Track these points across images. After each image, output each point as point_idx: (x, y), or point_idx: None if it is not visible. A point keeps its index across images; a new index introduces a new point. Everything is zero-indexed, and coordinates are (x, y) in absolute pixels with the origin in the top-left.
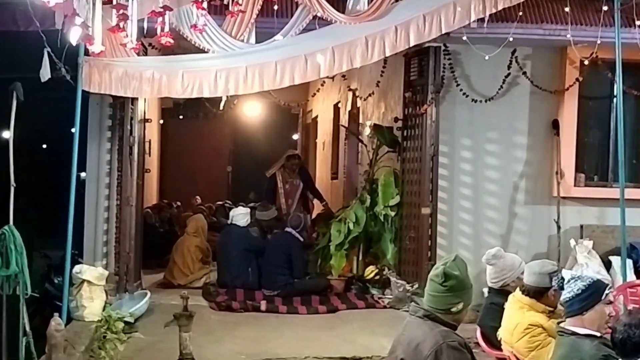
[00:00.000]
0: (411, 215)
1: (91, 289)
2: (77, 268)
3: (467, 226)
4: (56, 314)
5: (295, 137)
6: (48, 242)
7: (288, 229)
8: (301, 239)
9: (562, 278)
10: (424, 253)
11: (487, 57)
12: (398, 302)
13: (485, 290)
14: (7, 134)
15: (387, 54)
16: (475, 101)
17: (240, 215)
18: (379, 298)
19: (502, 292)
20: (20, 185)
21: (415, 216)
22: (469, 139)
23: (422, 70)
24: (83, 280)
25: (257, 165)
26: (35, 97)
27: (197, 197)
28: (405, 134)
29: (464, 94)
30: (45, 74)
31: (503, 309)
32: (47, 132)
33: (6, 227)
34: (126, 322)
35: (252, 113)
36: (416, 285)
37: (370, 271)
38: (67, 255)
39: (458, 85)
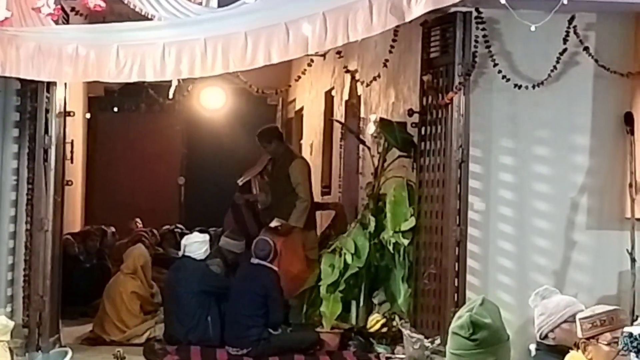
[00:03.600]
0: (431, 244)
1: None
2: None
3: (507, 259)
4: None
5: None
6: None
7: (256, 261)
8: (277, 273)
9: (633, 336)
10: (448, 296)
11: (533, 28)
12: None
13: (532, 347)
14: None
15: (398, 22)
16: (519, 87)
17: (195, 245)
18: (387, 358)
19: (556, 350)
20: None
21: (436, 245)
22: (510, 140)
23: (446, 45)
24: None
25: (219, 176)
26: None
27: (138, 219)
28: (423, 132)
29: (503, 77)
30: None
31: None
32: None
33: None
34: None
35: (214, 104)
36: (438, 341)
37: (375, 321)
38: None
39: (496, 65)
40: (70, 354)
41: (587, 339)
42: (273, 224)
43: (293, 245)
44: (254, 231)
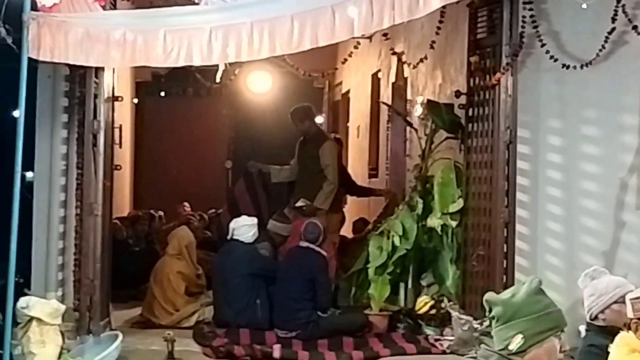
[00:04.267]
0: (479, 225)
1: (42, 330)
2: (22, 301)
3: (556, 240)
4: None
5: (320, 119)
6: None
7: (304, 244)
8: (326, 257)
9: None
10: (497, 278)
11: (584, 5)
12: (462, 345)
13: (582, 328)
14: None
15: (444, 3)
16: (568, 67)
17: (244, 228)
18: (436, 340)
19: (606, 330)
20: None
21: (485, 227)
22: (558, 120)
23: (493, 26)
24: (31, 318)
25: (267, 160)
26: None
27: (186, 203)
28: (470, 113)
29: (551, 57)
30: None
31: (607, 353)
32: None
33: None
34: None
35: (260, 87)
36: (487, 322)
37: (424, 303)
38: (9, 285)
39: (543, 45)
40: (120, 337)
41: (638, 319)
42: (299, 203)
43: None
44: (264, 202)
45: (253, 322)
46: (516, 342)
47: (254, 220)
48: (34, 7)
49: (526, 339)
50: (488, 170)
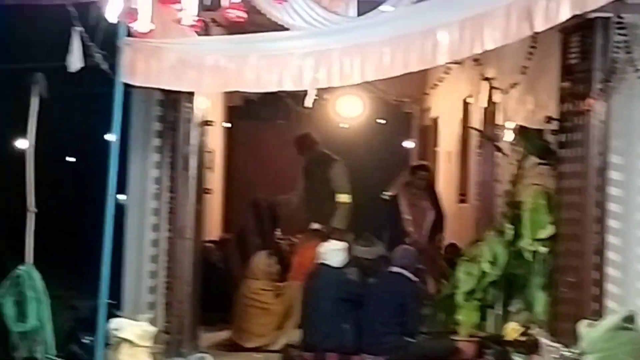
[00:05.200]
0: (570, 252)
1: (133, 352)
2: (114, 323)
3: None
4: None
5: (409, 144)
6: (75, 287)
7: (396, 269)
8: (416, 283)
9: None
10: (587, 305)
11: None
12: None
13: None
14: (25, 143)
15: (537, 29)
16: None
17: (333, 252)
18: None
19: None
20: (40, 211)
21: (575, 253)
22: None
23: (586, 51)
24: (122, 340)
25: (357, 184)
26: (61, 93)
27: (278, 228)
28: (562, 139)
29: None
30: (74, 61)
31: None
32: (76, 139)
33: (22, 267)
34: None
35: (350, 112)
36: (577, 350)
37: (513, 330)
38: (101, 306)
39: (637, 71)
40: (209, 359)
41: None
42: (315, 226)
43: None
44: (269, 230)
45: (340, 347)
46: None
47: (345, 245)
48: (129, 33)
49: None
50: (579, 197)
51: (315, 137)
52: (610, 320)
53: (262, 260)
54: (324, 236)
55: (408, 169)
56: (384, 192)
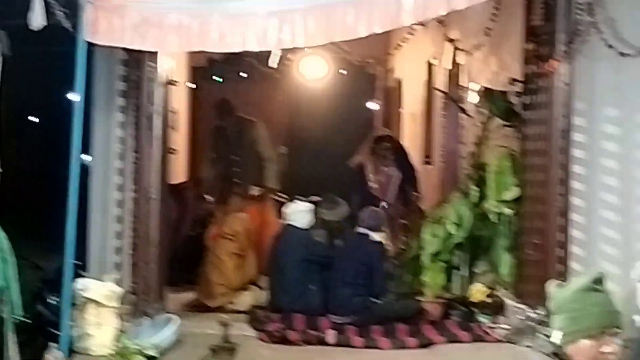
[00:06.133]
0: (534, 214)
1: (99, 312)
2: (80, 284)
3: (612, 229)
4: (53, 345)
5: (373, 106)
6: (40, 248)
7: (362, 230)
8: (383, 244)
9: None
10: (552, 267)
11: None
12: (516, 333)
13: (638, 318)
14: None
15: None
16: (625, 55)
17: (299, 214)
18: (490, 328)
19: None
20: (5, 171)
21: (540, 215)
22: (615, 109)
23: (549, 12)
24: (88, 300)
25: (321, 145)
26: (23, 52)
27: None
28: (526, 101)
29: (608, 45)
30: (35, 19)
31: None
32: (39, 99)
33: None
34: (148, 357)
35: (314, 73)
36: (543, 312)
37: (478, 291)
38: (67, 267)
39: (600, 33)
40: (177, 321)
41: None
42: (253, 192)
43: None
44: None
45: (307, 308)
46: (557, 337)
47: (311, 206)
48: None
49: (565, 335)
50: (543, 159)
51: (232, 103)
52: (579, 281)
53: (237, 221)
54: (259, 199)
55: (372, 139)
56: (348, 160)
